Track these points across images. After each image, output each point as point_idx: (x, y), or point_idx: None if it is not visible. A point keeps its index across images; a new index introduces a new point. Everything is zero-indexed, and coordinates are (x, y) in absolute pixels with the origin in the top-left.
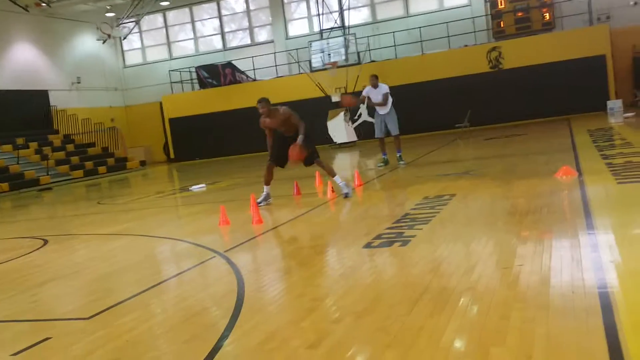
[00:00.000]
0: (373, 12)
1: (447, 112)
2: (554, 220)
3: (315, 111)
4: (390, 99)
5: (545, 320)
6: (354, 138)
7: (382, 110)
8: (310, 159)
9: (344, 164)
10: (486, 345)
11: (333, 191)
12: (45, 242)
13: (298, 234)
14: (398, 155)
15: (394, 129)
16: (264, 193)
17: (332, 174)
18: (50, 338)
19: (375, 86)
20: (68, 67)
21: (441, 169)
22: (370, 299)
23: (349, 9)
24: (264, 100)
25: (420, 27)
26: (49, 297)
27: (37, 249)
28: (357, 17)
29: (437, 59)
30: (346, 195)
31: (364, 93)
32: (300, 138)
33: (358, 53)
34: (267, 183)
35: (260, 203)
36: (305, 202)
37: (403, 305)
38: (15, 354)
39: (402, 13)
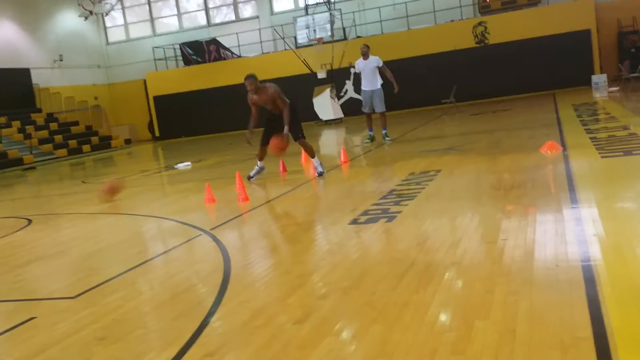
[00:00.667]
0: None
1: (433, 88)
2: (539, 195)
3: (301, 88)
4: (379, 79)
5: (529, 293)
6: (340, 115)
7: (370, 86)
8: (294, 137)
9: (330, 140)
10: (471, 319)
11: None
12: (30, 221)
13: (284, 211)
14: (384, 132)
15: (380, 106)
16: (257, 167)
17: (311, 155)
18: (35, 318)
19: (366, 56)
20: (50, 45)
21: (427, 145)
22: (356, 274)
23: None
24: (251, 77)
25: (406, 2)
26: (33, 277)
27: (22, 228)
28: None
29: (423, 34)
30: (320, 174)
31: (355, 65)
32: (285, 129)
33: (344, 29)
34: (261, 159)
35: (252, 177)
36: (291, 179)
37: (389, 281)
38: None
39: None
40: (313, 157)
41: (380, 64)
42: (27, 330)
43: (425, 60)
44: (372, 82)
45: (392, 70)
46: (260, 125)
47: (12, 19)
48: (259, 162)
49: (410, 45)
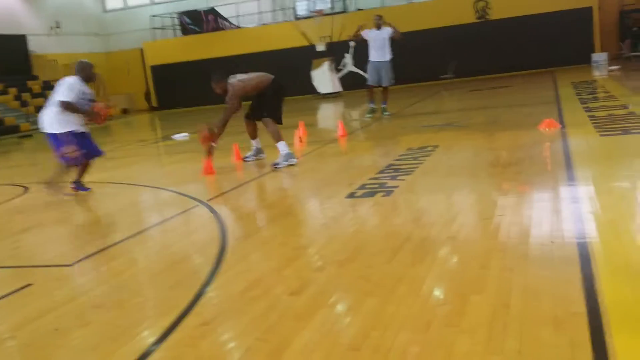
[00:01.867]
0: None
1: (432, 63)
2: (536, 172)
3: (299, 60)
4: (390, 51)
5: (524, 269)
6: (339, 88)
7: (380, 57)
8: (257, 115)
9: (328, 114)
10: (465, 294)
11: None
12: (26, 189)
13: (281, 183)
14: (383, 106)
15: (387, 80)
16: (254, 148)
17: (275, 138)
18: (32, 284)
19: (379, 27)
20: (46, 11)
21: (425, 120)
22: (352, 248)
23: None
24: (213, 79)
25: None
26: (30, 244)
27: (18, 196)
28: None
29: (425, 8)
30: (276, 165)
31: (363, 35)
32: (206, 128)
33: (344, 1)
34: (253, 137)
35: (247, 158)
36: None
37: (384, 255)
38: None
39: None
40: (277, 141)
41: (392, 34)
42: (24, 296)
43: (425, 34)
44: (382, 54)
45: (392, 44)
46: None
47: None
48: (253, 142)
49: (410, 19)
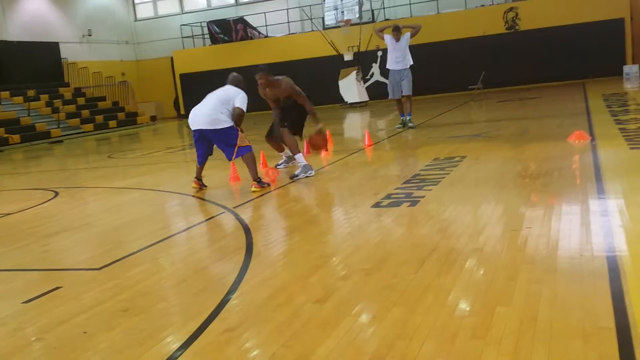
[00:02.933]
0: None
1: (460, 74)
2: (565, 184)
3: (327, 70)
4: (410, 58)
5: (552, 282)
6: (366, 98)
7: (399, 66)
8: (280, 125)
9: (355, 123)
10: (492, 305)
11: (326, 150)
12: (56, 194)
13: (307, 192)
14: (408, 117)
15: (408, 89)
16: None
17: (293, 150)
18: (60, 287)
19: (398, 39)
20: (79, 19)
21: (453, 131)
22: (378, 257)
23: None
24: (262, 70)
25: None
26: (59, 248)
27: (48, 200)
28: None
29: (453, 18)
30: (295, 177)
31: (385, 39)
32: (318, 125)
33: (372, 11)
34: (281, 150)
35: (279, 166)
36: (314, 160)
37: (410, 265)
38: (26, 302)
39: None
40: (295, 153)
41: (411, 37)
42: (53, 299)
43: (453, 45)
44: (403, 63)
45: (420, 54)
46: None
47: None
48: (282, 154)
49: (439, 30)
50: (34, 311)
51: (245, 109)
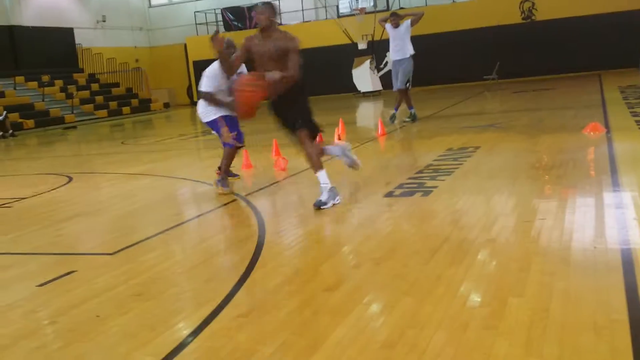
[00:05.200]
0: None
1: (475, 64)
2: (579, 176)
3: (341, 58)
4: (410, 47)
5: (565, 274)
6: (379, 87)
7: (397, 55)
8: (290, 125)
9: (368, 112)
10: (504, 296)
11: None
12: (70, 179)
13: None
14: (394, 112)
15: (399, 82)
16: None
17: (316, 166)
18: (75, 271)
19: (396, 25)
20: (93, 5)
21: (466, 121)
22: (389, 247)
23: None
24: (267, 4)
25: None
26: (73, 232)
27: (62, 185)
28: None
29: (469, 7)
30: (321, 205)
31: (386, 28)
32: (275, 74)
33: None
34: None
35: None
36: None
37: (422, 255)
38: (41, 285)
39: None
40: (317, 169)
41: (411, 24)
42: (67, 282)
43: (469, 34)
44: (402, 52)
45: (435, 43)
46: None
47: None
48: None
49: (454, 19)
50: (49, 295)
51: (203, 89)
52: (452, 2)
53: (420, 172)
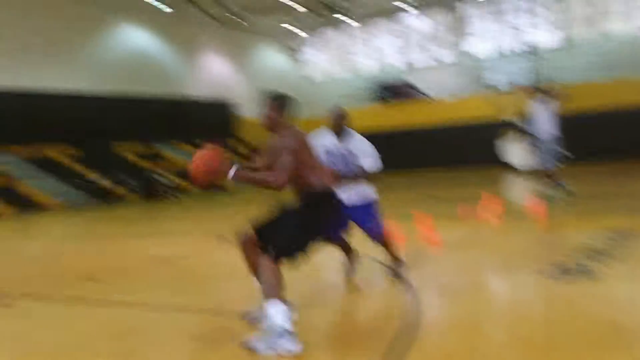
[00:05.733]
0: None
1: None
2: None
3: (489, 133)
4: (548, 125)
5: None
6: (532, 163)
7: (544, 134)
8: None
9: (521, 188)
10: None
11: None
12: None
13: (472, 255)
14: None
15: (537, 163)
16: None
17: (268, 292)
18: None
19: (539, 103)
20: (252, 79)
21: (637, 203)
22: (550, 333)
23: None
24: (272, 98)
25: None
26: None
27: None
28: (543, 38)
29: (631, 84)
30: (251, 347)
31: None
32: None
33: (544, 76)
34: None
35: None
36: (474, 224)
37: (583, 345)
38: None
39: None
40: (268, 297)
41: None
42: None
43: (635, 112)
44: (545, 130)
45: (594, 120)
46: None
47: (221, 54)
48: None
49: (618, 95)
50: None
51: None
52: (613, 79)
53: (581, 252)
